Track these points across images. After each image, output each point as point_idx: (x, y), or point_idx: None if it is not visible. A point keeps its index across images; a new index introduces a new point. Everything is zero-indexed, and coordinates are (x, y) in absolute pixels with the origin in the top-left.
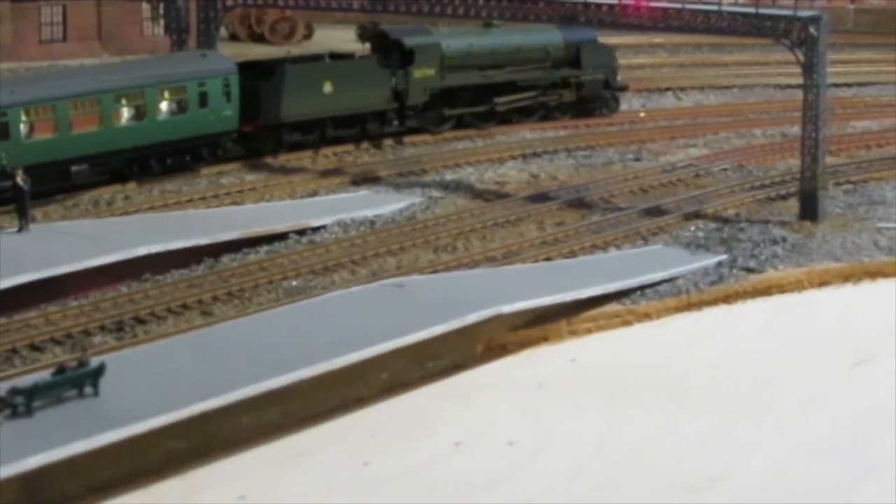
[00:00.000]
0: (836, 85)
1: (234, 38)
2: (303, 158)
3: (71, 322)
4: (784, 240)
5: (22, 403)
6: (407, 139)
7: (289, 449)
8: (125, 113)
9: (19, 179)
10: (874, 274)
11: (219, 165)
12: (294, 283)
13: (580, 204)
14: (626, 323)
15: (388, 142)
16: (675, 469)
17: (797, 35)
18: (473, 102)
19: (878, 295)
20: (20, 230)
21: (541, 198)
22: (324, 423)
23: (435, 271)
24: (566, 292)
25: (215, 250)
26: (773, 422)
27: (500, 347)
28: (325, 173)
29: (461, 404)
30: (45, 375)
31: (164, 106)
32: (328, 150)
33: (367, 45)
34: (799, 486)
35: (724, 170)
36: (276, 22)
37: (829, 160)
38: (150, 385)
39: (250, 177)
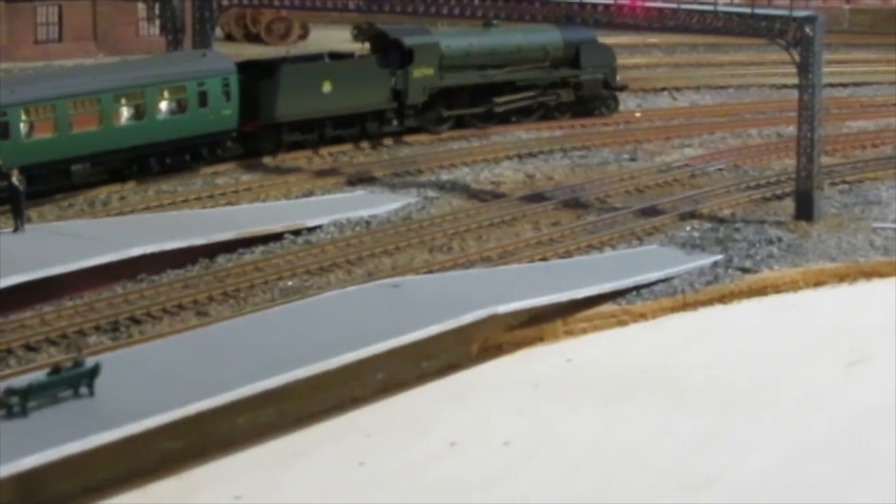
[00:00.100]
0: (831, 85)
1: (229, 38)
2: (298, 158)
3: (66, 322)
4: (780, 240)
5: (17, 404)
6: (404, 139)
7: (284, 449)
8: (125, 112)
9: (14, 179)
10: (870, 274)
11: (216, 165)
12: (290, 283)
13: (576, 204)
14: (622, 323)
15: (387, 141)
16: (671, 469)
17: (793, 35)
18: (473, 102)
19: (873, 295)
20: (15, 230)
21: (536, 198)
22: (319, 423)
23: (430, 271)
24: (562, 292)
25: (211, 250)
26: (769, 422)
27: (495, 347)
28: (321, 173)
29: (457, 404)
30: (40, 376)
31: (163, 105)
32: (324, 150)
33: (363, 45)
34: (795, 486)
35: (720, 170)
36: (272, 22)
37: (825, 160)
38: (146, 385)
39: (246, 177)
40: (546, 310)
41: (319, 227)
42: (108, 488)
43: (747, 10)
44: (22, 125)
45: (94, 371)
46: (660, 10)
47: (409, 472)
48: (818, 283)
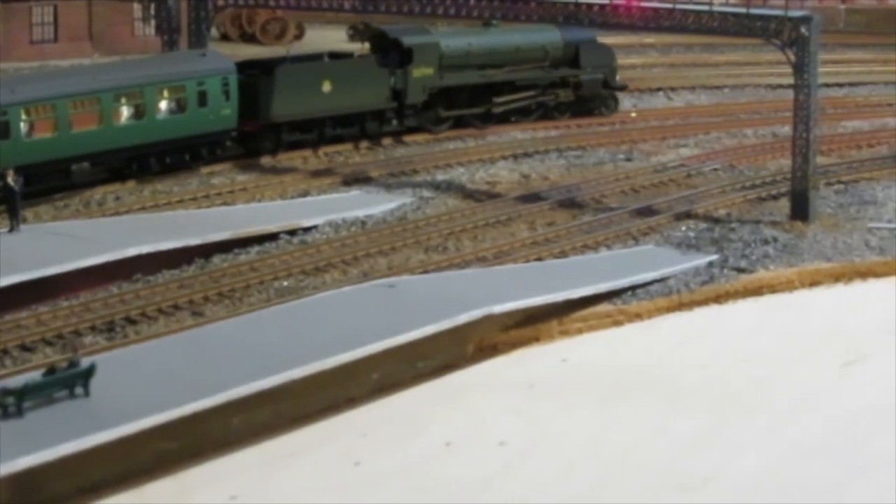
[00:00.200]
0: (827, 85)
1: (225, 38)
2: (294, 158)
3: (61, 322)
4: (775, 240)
5: (12, 404)
6: (402, 138)
7: (280, 449)
8: (125, 112)
9: (10, 180)
10: (865, 274)
11: (213, 165)
12: (285, 283)
13: (571, 204)
14: (618, 323)
15: (386, 141)
16: (667, 469)
17: (788, 35)
18: (472, 102)
19: (868, 295)
20: (11, 230)
21: (532, 198)
22: (315, 424)
23: (426, 271)
24: (557, 292)
25: (206, 251)
26: (765, 422)
27: (491, 347)
28: (317, 173)
29: (452, 404)
30: (35, 376)
31: (163, 105)
32: (320, 150)
33: (360, 45)
34: (790, 486)
35: (715, 170)
36: (268, 22)
37: (820, 160)
38: (141, 385)
39: (241, 177)
40: (541, 310)
41: (315, 227)
42: (103, 488)
43: (743, 10)
44: (22, 125)
45: (90, 371)
46: (655, 10)
47: (404, 473)
48: (814, 283)
